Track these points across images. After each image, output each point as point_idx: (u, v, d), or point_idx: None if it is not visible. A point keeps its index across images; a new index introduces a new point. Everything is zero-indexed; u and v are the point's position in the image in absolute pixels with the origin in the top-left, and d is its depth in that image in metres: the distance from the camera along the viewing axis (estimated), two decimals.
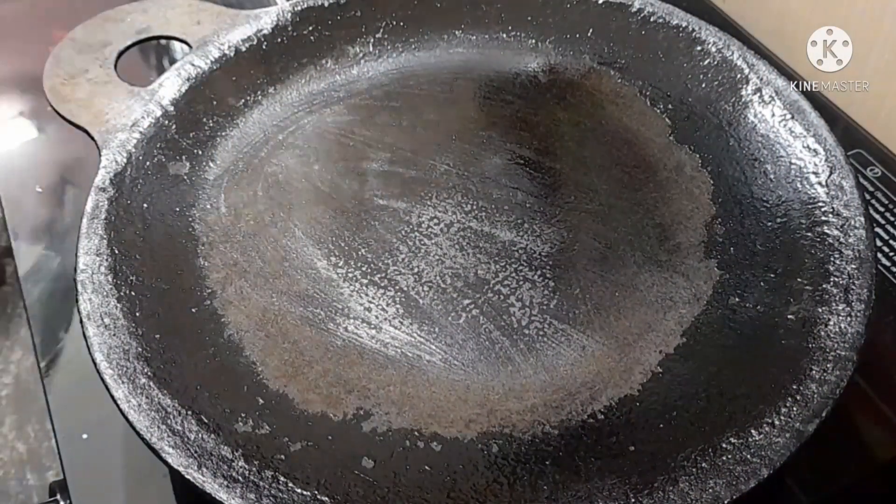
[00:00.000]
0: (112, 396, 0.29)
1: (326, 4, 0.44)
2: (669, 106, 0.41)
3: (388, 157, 0.40)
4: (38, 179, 0.46)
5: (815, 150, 0.36)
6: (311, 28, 0.43)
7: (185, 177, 0.38)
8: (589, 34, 0.43)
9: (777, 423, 0.28)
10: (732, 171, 0.38)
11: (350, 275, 0.35)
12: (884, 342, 0.36)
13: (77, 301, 0.31)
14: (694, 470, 0.27)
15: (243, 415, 0.30)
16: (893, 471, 0.33)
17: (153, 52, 0.49)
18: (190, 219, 0.37)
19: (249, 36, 0.42)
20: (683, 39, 0.42)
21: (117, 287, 0.32)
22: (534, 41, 0.44)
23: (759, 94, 0.39)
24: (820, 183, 0.35)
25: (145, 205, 0.36)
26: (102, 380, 0.29)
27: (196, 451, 0.28)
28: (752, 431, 0.28)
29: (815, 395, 0.28)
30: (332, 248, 0.36)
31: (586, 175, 0.39)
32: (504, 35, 0.44)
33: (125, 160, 0.37)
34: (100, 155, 0.37)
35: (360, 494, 0.28)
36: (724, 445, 0.28)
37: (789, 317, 0.32)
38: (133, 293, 0.32)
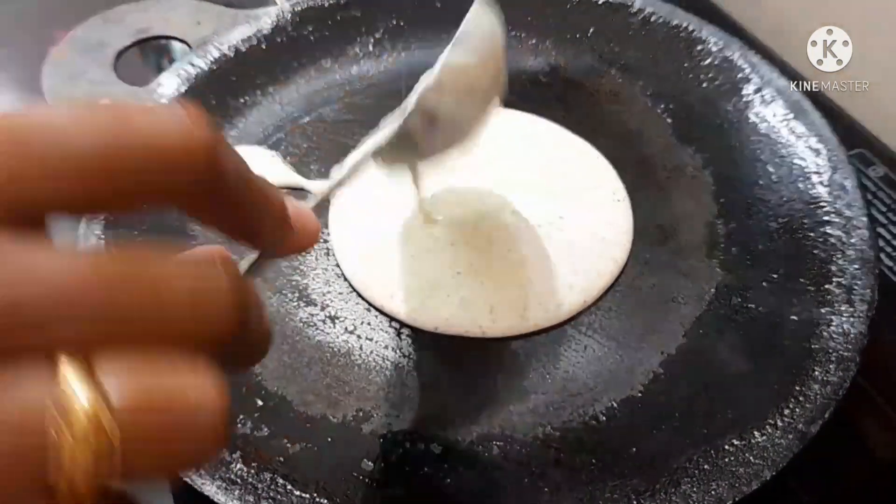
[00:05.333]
0: None
1: (326, 4, 0.44)
2: (670, 106, 0.41)
3: None
4: None
5: (817, 150, 0.36)
6: (311, 28, 0.43)
7: None
8: (589, 34, 0.43)
9: (780, 424, 0.28)
10: (734, 172, 0.37)
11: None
12: (886, 343, 0.36)
13: None
14: (696, 471, 0.27)
15: (242, 416, 0.30)
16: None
17: (153, 52, 0.48)
18: (189, 219, 0.37)
19: (249, 36, 0.42)
20: (684, 39, 0.41)
21: None
22: (534, 41, 0.44)
23: (760, 94, 0.39)
24: (822, 183, 0.35)
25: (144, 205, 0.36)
26: None
27: None
28: (755, 432, 0.28)
29: (818, 396, 0.28)
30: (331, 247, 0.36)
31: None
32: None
33: None
34: None
35: (360, 496, 0.28)
36: (726, 447, 0.28)
37: (792, 317, 0.31)
38: None
